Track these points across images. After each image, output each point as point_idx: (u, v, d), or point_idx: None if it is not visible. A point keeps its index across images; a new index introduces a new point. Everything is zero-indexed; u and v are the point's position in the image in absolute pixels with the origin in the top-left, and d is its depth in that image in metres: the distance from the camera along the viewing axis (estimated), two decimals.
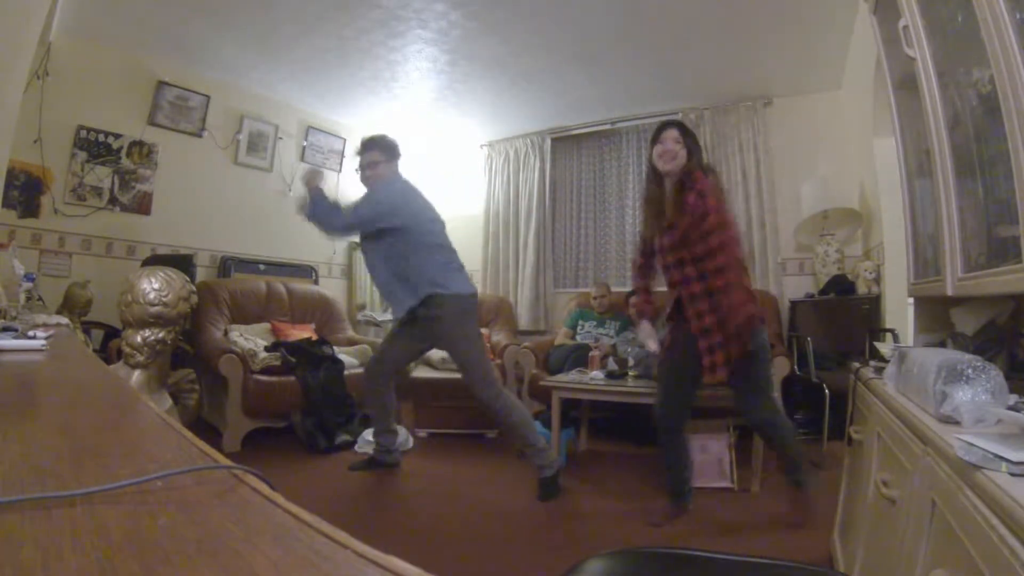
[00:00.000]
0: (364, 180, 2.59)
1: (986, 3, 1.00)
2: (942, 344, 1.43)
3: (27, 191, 3.20)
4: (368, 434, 3.07)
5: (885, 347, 1.65)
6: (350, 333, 4.14)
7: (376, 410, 2.66)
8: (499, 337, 4.15)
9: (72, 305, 2.94)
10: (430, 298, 2.38)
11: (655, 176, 2.13)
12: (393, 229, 2.41)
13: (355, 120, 4.87)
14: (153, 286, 2.43)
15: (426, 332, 2.50)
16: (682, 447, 2.19)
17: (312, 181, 2.52)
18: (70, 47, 3.30)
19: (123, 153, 3.58)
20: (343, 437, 3.11)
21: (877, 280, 3.26)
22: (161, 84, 3.73)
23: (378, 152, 2.56)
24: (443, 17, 3.24)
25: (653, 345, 2.23)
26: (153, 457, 0.50)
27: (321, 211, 2.44)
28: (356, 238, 4.97)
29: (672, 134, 2.05)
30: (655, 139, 2.10)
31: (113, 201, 3.55)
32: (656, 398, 2.24)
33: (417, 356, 3.08)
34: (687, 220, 1.96)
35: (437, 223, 2.55)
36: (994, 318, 1.28)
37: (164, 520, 0.34)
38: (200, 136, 3.96)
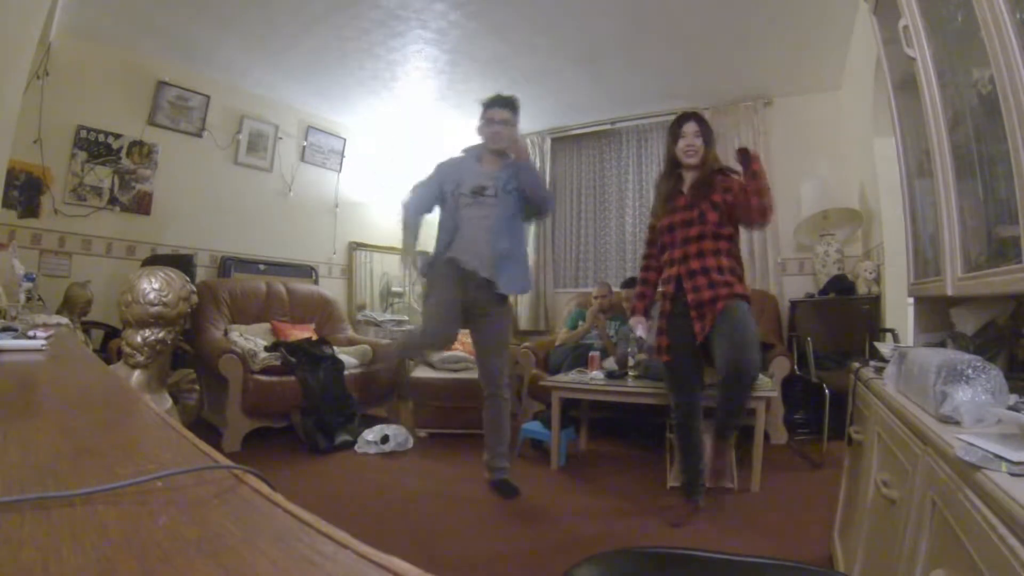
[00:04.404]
0: (500, 138, 2.44)
1: (986, 3, 1.00)
2: (942, 344, 1.43)
3: (27, 191, 3.20)
4: (368, 434, 3.07)
5: (885, 347, 1.65)
6: (350, 333, 4.14)
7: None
8: None
9: (72, 305, 2.94)
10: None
11: (673, 167, 2.24)
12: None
13: (355, 120, 4.87)
14: (153, 286, 2.44)
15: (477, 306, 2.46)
16: (696, 441, 2.23)
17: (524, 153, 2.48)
18: (70, 47, 3.30)
19: (123, 153, 3.58)
20: (343, 437, 3.11)
21: (877, 280, 3.26)
22: (161, 84, 3.73)
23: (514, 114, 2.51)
24: (443, 17, 3.24)
25: (641, 331, 2.38)
26: (153, 457, 0.50)
27: (537, 180, 2.51)
28: (357, 238, 5.00)
29: (692, 128, 2.16)
30: (675, 134, 2.20)
31: (113, 201, 3.55)
32: (669, 395, 2.32)
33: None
34: (708, 202, 2.11)
35: None
36: (994, 318, 1.28)
37: (164, 520, 0.34)
38: (200, 136, 3.96)
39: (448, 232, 2.46)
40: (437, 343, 2.66)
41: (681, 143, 2.18)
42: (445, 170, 2.56)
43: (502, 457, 2.49)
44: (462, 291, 2.45)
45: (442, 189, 2.51)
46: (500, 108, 2.47)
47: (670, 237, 2.20)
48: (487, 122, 2.48)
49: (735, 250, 2.20)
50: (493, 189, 2.45)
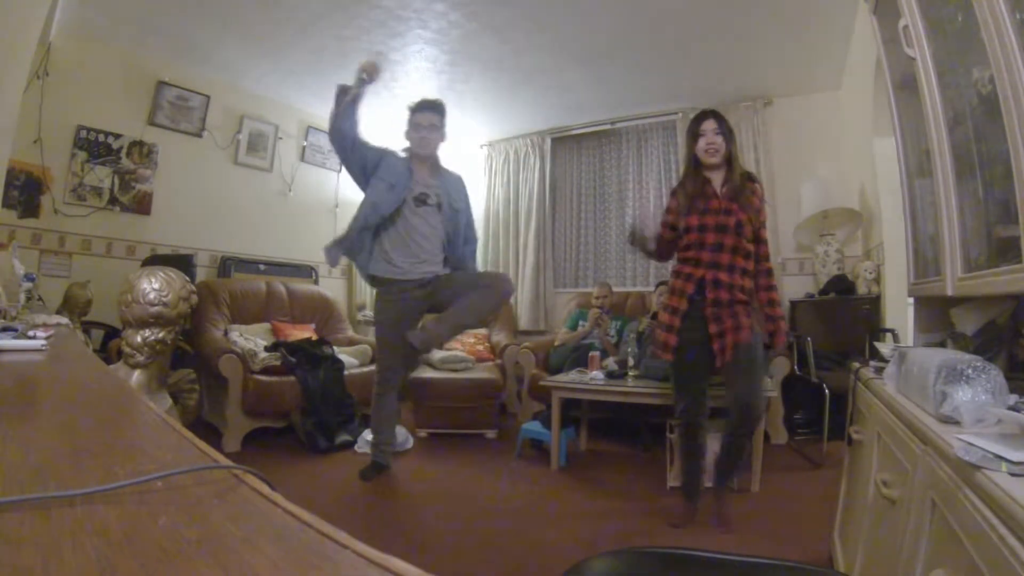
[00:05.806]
0: (428, 143, 2.51)
1: (986, 3, 1.00)
2: (942, 344, 1.43)
3: (27, 191, 3.20)
4: (368, 434, 3.07)
5: (885, 347, 1.65)
6: (350, 333, 4.14)
7: (385, 411, 2.66)
8: (499, 337, 4.15)
9: (72, 305, 2.94)
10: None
11: (695, 168, 2.17)
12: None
13: None
14: (153, 286, 2.43)
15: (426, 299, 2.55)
16: (699, 445, 2.20)
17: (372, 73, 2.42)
18: (70, 47, 3.30)
19: (123, 153, 3.58)
20: (343, 437, 3.11)
21: (877, 280, 3.26)
22: (161, 84, 3.73)
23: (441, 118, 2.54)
24: (443, 17, 3.24)
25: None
26: (153, 457, 0.50)
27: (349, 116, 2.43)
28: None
29: (711, 125, 2.11)
30: (695, 133, 2.14)
31: (113, 201, 3.55)
32: (674, 397, 2.25)
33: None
34: (745, 215, 2.05)
35: None
36: (994, 318, 1.28)
37: (164, 520, 0.34)
38: (200, 136, 3.96)
39: (394, 241, 2.50)
40: (396, 372, 2.62)
41: (702, 142, 2.11)
42: (391, 162, 2.53)
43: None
44: (414, 304, 2.53)
45: (390, 183, 2.47)
46: (428, 112, 2.48)
47: (699, 237, 2.08)
48: (413, 127, 2.50)
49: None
50: (435, 199, 2.47)
